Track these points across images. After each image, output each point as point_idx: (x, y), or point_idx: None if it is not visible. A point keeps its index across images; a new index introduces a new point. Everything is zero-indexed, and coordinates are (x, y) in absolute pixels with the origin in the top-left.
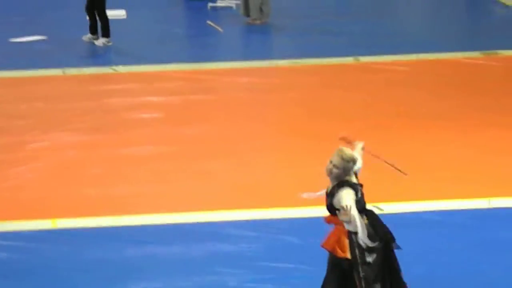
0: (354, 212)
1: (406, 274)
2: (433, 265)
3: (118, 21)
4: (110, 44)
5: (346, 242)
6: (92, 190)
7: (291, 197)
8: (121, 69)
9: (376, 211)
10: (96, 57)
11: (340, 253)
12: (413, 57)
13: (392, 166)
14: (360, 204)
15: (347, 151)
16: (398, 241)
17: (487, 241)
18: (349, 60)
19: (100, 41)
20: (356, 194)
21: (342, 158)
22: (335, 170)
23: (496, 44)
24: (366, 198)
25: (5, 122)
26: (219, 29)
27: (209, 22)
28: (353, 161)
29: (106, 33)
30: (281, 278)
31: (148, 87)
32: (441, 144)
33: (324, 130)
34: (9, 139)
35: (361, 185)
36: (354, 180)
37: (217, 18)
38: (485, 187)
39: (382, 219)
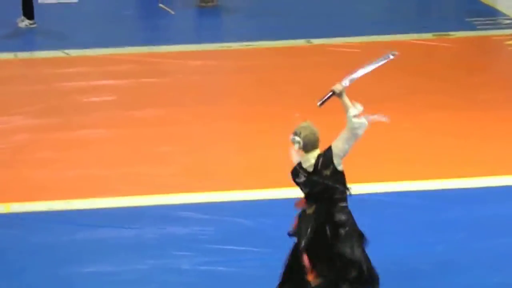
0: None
1: None
2: (388, 246)
3: (69, 5)
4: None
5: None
6: (44, 174)
7: (242, 180)
8: (73, 52)
9: None
10: (48, 41)
11: None
12: (364, 39)
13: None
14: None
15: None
16: None
17: (439, 221)
18: (301, 42)
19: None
20: None
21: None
22: (305, 140)
23: (448, 26)
24: None
25: None
26: (171, 11)
27: (160, 4)
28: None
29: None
30: (233, 261)
31: (100, 70)
32: (390, 126)
33: (276, 113)
34: None
35: None
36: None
37: (168, 0)
38: (435, 169)
39: None
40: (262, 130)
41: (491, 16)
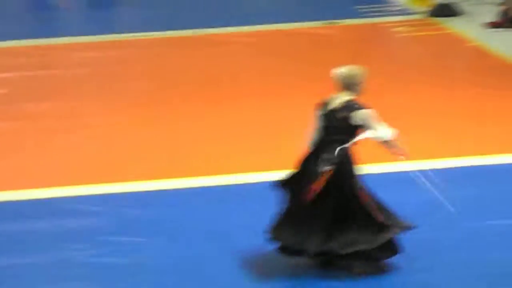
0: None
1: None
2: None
3: None
4: None
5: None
6: None
7: (132, 171)
8: None
9: None
10: None
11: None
12: (255, 28)
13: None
14: None
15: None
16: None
17: None
18: (188, 33)
19: None
20: None
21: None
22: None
23: (336, 14)
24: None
25: None
26: (65, 4)
27: None
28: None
29: None
30: (126, 251)
31: None
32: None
33: (170, 99)
34: None
35: None
36: None
37: None
38: None
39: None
40: (158, 120)
41: (380, 3)
